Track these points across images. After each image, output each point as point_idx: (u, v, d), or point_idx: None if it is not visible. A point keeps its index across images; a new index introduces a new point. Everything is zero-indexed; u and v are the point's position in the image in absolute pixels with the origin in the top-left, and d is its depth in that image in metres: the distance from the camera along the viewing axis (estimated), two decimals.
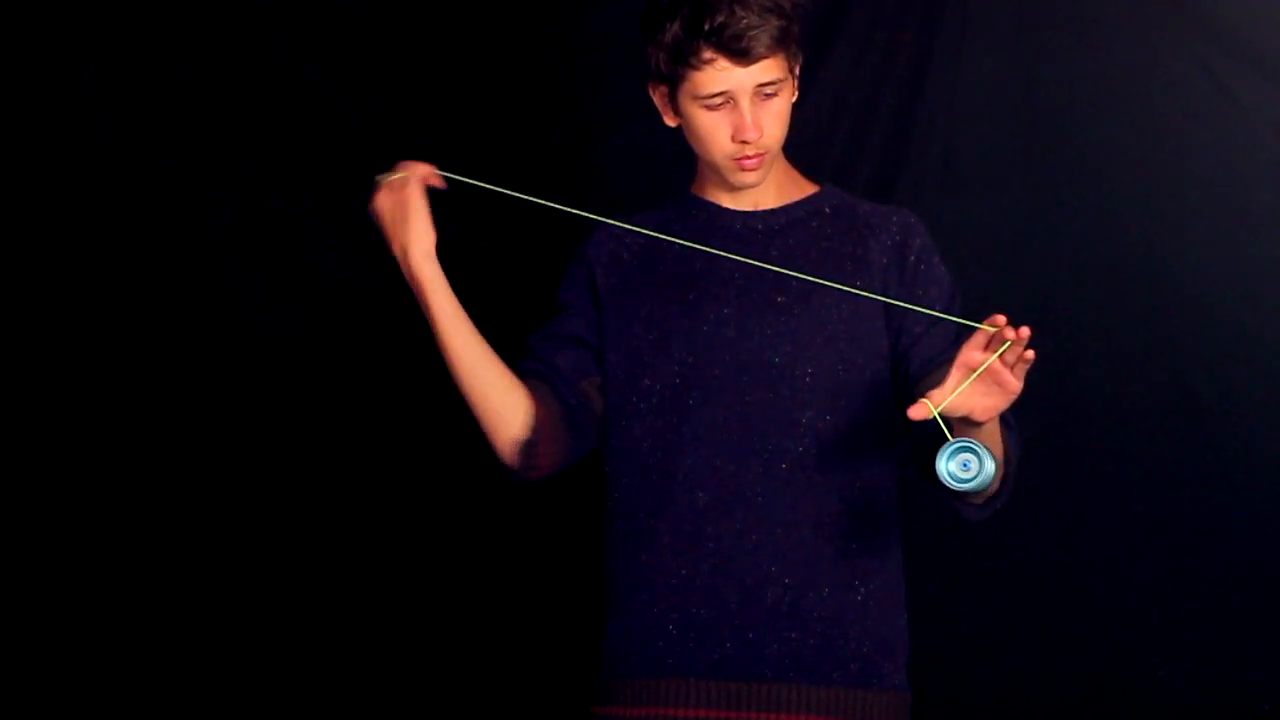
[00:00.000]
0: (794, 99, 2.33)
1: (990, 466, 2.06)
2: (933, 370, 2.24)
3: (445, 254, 3.18)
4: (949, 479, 2.08)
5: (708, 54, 2.23)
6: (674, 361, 2.31)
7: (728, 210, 2.38)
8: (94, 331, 3.12)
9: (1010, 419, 2.32)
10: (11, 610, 3.12)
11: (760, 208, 2.38)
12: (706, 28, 2.21)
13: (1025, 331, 2.01)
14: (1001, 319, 2.02)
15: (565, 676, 2.96)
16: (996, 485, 2.28)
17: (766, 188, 2.38)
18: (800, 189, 2.42)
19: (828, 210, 2.41)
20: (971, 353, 2.05)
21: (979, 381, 2.05)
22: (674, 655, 2.28)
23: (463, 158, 3.20)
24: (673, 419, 2.31)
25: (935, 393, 2.06)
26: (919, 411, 2.05)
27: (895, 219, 2.41)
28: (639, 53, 2.36)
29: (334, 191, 3.18)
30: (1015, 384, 2.05)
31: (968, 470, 2.07)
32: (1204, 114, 3.13)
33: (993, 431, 2.18)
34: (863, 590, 2.31)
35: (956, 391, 2.04)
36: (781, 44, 2.25)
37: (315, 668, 3.15)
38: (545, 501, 3.12)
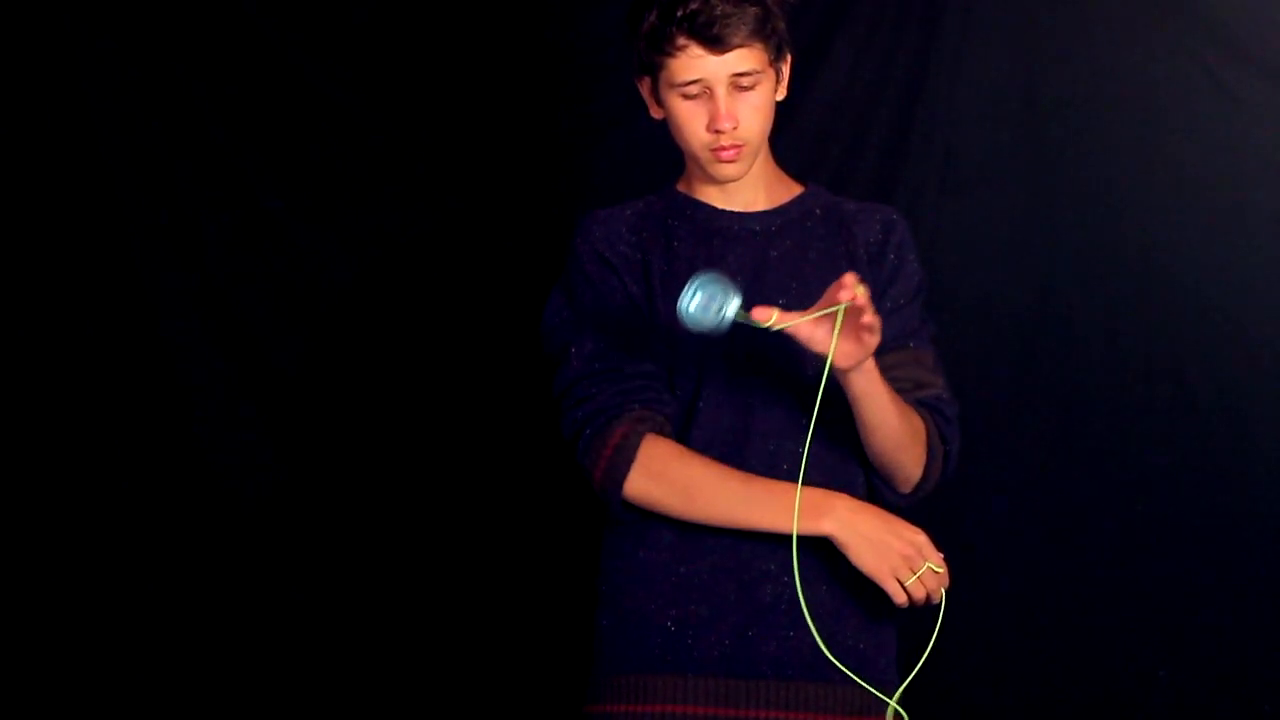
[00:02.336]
0: (779, 95, 2.33)
1: (735, 302, 2.07)
2: (880, 355, 2.24)
3: (446, 251, 3.21)
4: (686, 319, 2.08)
5: (681, 40, 2.24)
6: (691, 364, 2.32)
7: (723, 211, 2.38)
8: (92, 329, 3.11)
9: (949, 411, 2.36)
10: (9, 611, 3.12)
11: (752, 209, 2.39)
12: (680, 14, 2.23)
13: (860, 300, 2.06)
14: (850, 278, 2.07)
15: (557, 673, 2.96)
16: (919, 473, 2.34)
17: (756, 188, 2.38)
18: (788, 189, 2.43)
19: (818, 211, 2.42)
20: (836, 290, 2.09)
21: (843, 326, 2.10)
22: (671, 652, 2.27)
23: (463, 156, 3.21)
24: (682, 420, 2.32)
25: (793, 313, 2.11)
26: (762, 314, 2.08)
27: (879, 216, 2.43)
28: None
29: (332, 191, 3.18)
30: (872, 338, 2.11)
31: (710, 307, 2.08)
32: (1204, 114, 3.13)
33: (881, 405, 2.23)
34: (858, 588, 2.31)
35: (806, 318, 2.10)
36: (759, 34, 2.25)
37: (311, 664, 3.15)
38: (539, 497, 3.12)
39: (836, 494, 2.24)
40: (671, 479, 2.25)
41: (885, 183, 3.17)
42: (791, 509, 2.20)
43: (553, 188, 3.20)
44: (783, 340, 2.27)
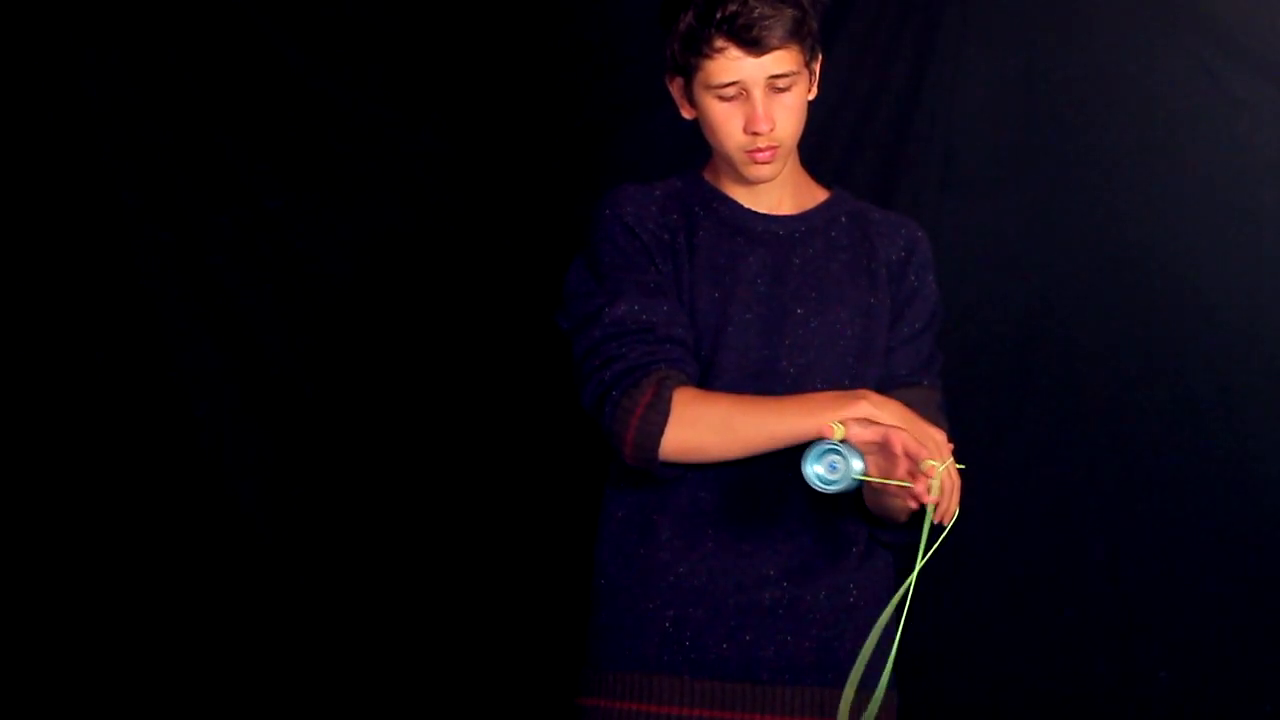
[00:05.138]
0: (812, 96, 2.32)
1: (858, 466, 2.07)
2: (891, 390, 2.26)
3: (447, 250, 3.21)
4: (816, 481, 2.08)
5: (719, 43, 2.22)
6: (699, 360, 2.30)
7: (749, 211, 2.36)
8: (92, 330, 3.12)
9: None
10: (9, 611, 3.12)
11: (778, 211, 2.37)
12: (719, 16, 2.21)
13: (933, 503, 2.06)
14: (925, 492, 2.05)
15: (550, 663, 2.97)
16: (906, 516, 2.30)
17: (783, 191, 2.37)
18: (814, 195, 2.41)
19: (843, 219, 2.40)
20: (900, 441, 2.08)
21: (881, 457, 2.10)
22: (669, 652, 2.27)
23: (464, 155, 3.21)
24: None
25: (855, 428, 2.10)
26: (827, 430, 2.09)
27: (903, 231, 2.42)
28: (655, 44, 2.36)
29: (332, 191, 3.18)
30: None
31: (835, 472, 2.08)
32: (1204, 114, 3.13)
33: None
34: (855, 593, 2.31)
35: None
36: (796, 36, 2.24)
37: (311, 660, 3.16)
38: (532, 488, 3.13)
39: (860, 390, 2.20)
40: (707, 420, 2.20)
41: (885, 183, 3.17)
42: (820, 408, 2.17)
43: (558, 187, 3.20)
44: (798, 348, 2.28)
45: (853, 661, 2.27)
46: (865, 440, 2.10)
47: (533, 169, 3.20)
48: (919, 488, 2.06)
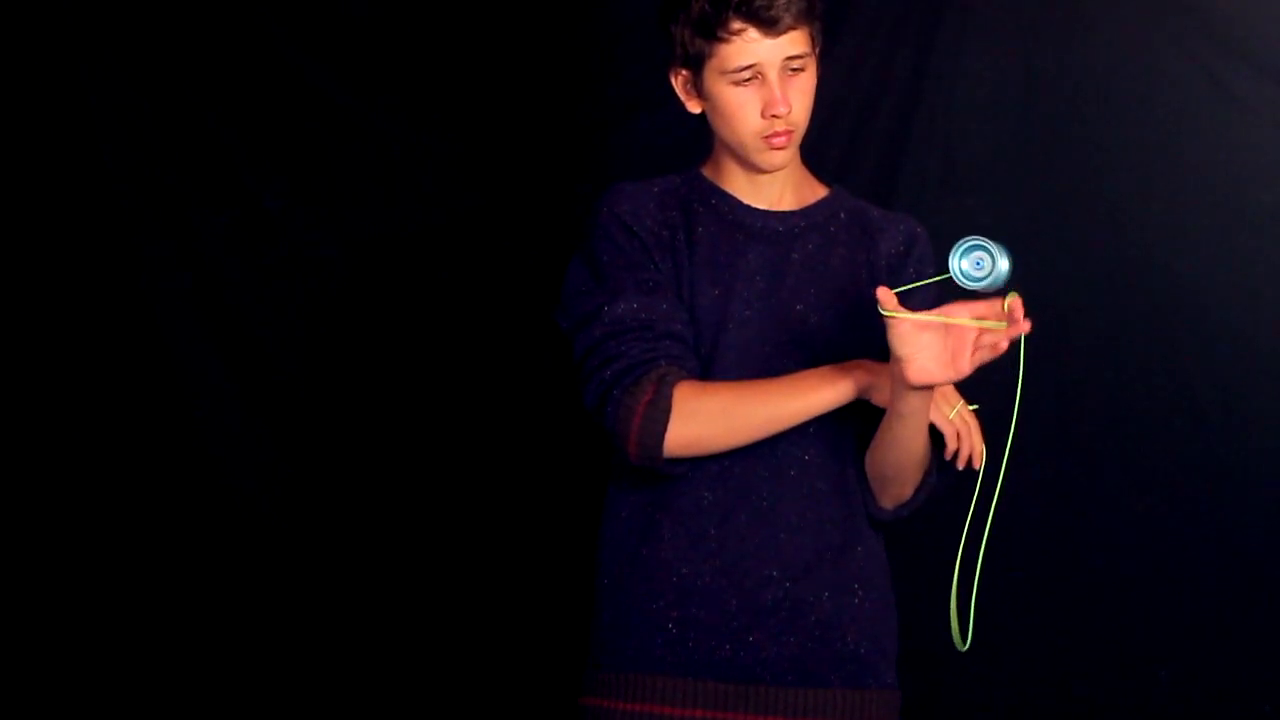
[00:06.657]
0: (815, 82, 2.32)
1: (1004, 266, 2.06)
2: None
3: (447, 249, 3.21)
4: (961, 277, 2.07)
5: (736, 25, 2.22)
6: (700, 358, 2.29)
7: (749, 207, 2.35)
8: (93, 330, 3.12)
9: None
10: (10, 611, 3.12)
11: (778, 207, 2.36)
12: None
13: (1027, 326, 2.05)
14: (1019, 301, 2.06)
15: (551, 662, 2.97)
16: (910, 493, 2.32)
17: (784, 186, 2.36)
18: (813, 191, 2.41)
19: (843, 215, 2.39)
20: (959, 308, 2.08)
21: (936, 343, 2.08)
22: (673, 653, 2.26)
23: (464, 155, 3.21)
24: None
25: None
26: (885, 297, 2.07)
27: (902, 227, 2.42)
28: (655, 44, 2.35)
29: (332, 191, 3.18)
30: (967, 366, 2.09)
31: (980, 269, 2.07)
32: (1204, 114, 3.13)
33: (919, 429, 2.21)
34: (859, 593, 2.31)
35: (926, 317, 2.07)
36: (808, 16, 2.25)
37: (313, 657, 3.16)
38: (534, 487, 3.13)
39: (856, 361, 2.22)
40: (709, 412, 2.20)
41: (885, 181, 3.17)
42: (820, 385, 2.19)
43: (557, 186, 3.20)
44: (798, 346, 2.27)
45: (855, 662, 2.29)
46: (904, 341, 2.08)
47: (532, 168, 3.20)
48: (1014, 330, 2.06)
